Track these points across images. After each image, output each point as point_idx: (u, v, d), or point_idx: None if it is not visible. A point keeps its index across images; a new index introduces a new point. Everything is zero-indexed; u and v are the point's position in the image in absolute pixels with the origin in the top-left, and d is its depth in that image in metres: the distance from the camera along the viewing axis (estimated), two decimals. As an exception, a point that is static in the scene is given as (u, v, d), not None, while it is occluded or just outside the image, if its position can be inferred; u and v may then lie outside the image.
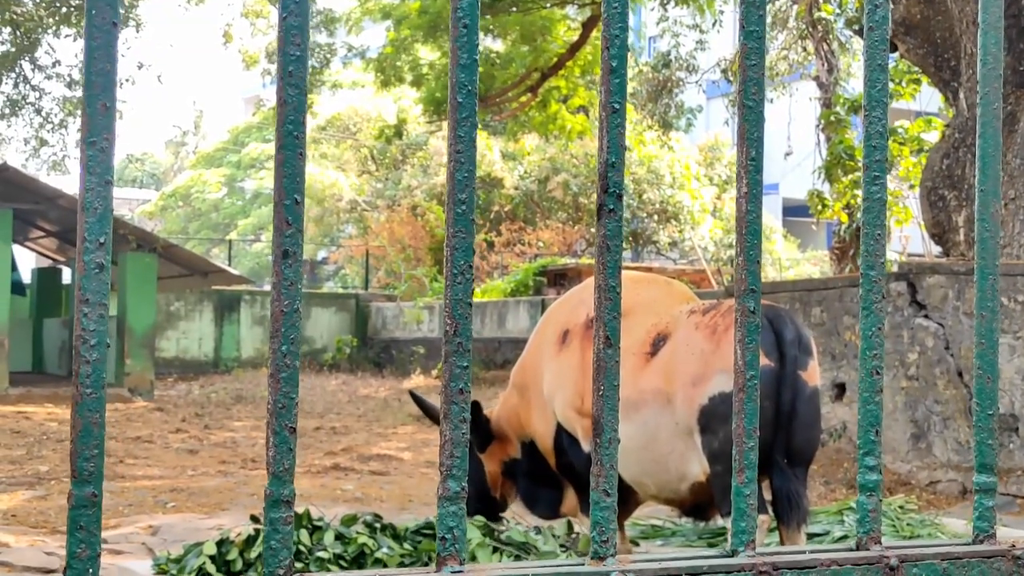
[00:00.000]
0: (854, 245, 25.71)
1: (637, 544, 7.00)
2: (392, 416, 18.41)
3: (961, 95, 12.35)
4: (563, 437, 6.05)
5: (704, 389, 5.26)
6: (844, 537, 6.64)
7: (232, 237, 49.50)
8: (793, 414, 5.17)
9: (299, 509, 6.31)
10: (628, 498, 6.03)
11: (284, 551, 1.85)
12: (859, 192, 24.53)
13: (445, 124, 35.19)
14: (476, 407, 6.44)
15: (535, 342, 6.43)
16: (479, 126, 29.51)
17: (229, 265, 33.12)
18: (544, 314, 6.54)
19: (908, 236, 28.77)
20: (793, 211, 46.37)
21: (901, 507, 7.22)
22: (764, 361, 5.15)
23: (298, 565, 5.80)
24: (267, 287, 45.27)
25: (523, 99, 26.40)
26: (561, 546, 6.09)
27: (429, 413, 6.86)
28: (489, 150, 35.96)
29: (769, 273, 36.73)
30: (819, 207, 25.48)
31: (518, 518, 6.70)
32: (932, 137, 25.02)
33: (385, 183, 39.10)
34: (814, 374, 5.32)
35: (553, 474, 6.28)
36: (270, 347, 1.87)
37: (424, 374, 25.21)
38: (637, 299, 5.97)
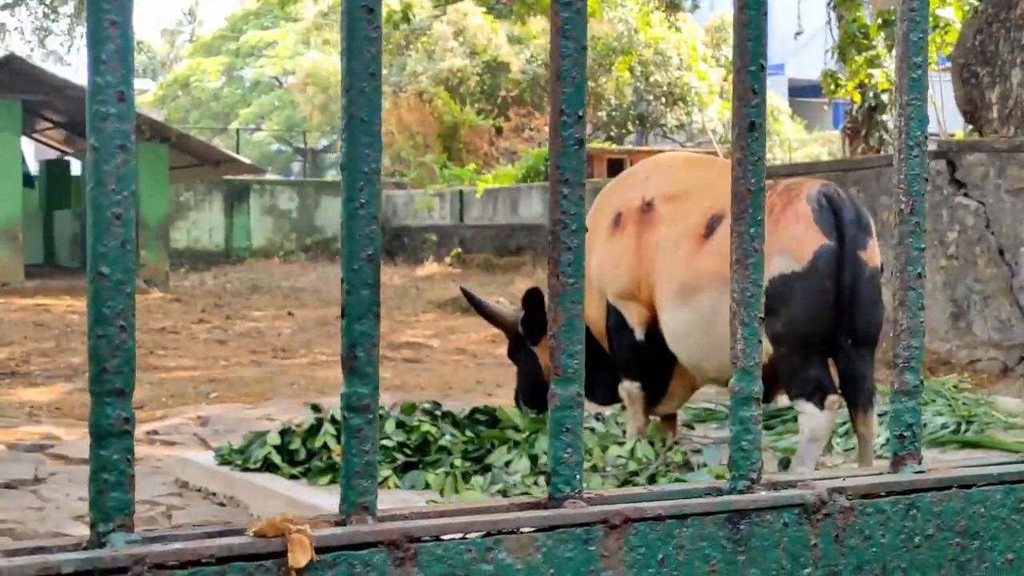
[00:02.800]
0: (866, 125, 25.53)
1: (692, 427, 6.99)
2: (411, 304, 18.40)
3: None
4: (613, 318, 5.99)
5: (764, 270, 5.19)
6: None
7: (234, 126, 49.14)
8: (855, 295, 5.10)
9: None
10: (687, 383, 6.00)
11: (755, 452, 1.80)
12: (873, 71, 24.28)
13: (450, 8, 34.79)
14: (538, 294, 6.38)
15: (587, 227, 6.33)
16: (484, 10, 29.13)
17: (236, 154, 32.91)
18: (596, 198, 6.44)
19: (921, 115, 28.53)
20: (799, 92, 45.99)
21: (955, 386, 7.21)
22: (824, 241, 5.07)
23: (362, 454, 5.78)
24: (272, 176, 45.06)
25: (531, -20, 26.04)
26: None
27: (481, 309, 6.79)
28: (495, 34, 35.55)
29: (777, 154, 36.53)
30: (832, 87, 25.24)
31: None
32: (947, 13, 24.72)
33: (389, 69, 38.69)
34: (874, 254, 5.24)
35: (608, 359, 6.23)
36: (734, 230, 1.79)
37: (437, 261, 25.16)
38: (692, 181, 5.87)
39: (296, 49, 47.04)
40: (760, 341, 1.81)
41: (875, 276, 5.20)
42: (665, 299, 5.62)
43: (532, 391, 6.49)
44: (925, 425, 6.47)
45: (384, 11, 29.10)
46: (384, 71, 39.80)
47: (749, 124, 1.78)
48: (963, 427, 6.54)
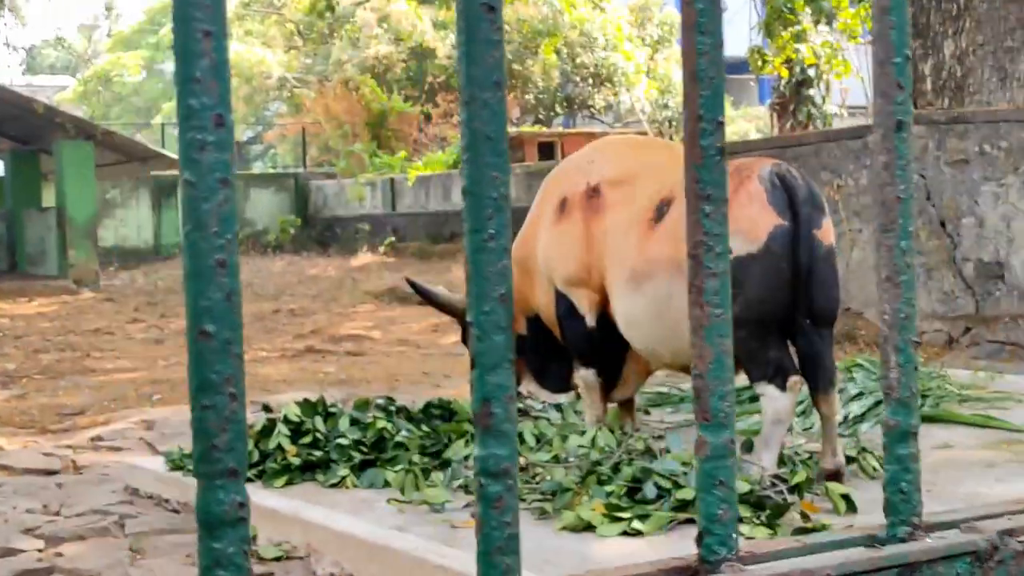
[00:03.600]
0: (794, 100, 25.63)
1: (647, 412, 6.94)
2: (348, 295, 18.23)
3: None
4: (562, 306, 5.92)
5: None
6: (860, 395, 6.61)
7: (157, 121, 48.56)
8: (811, 274, 5.05)
9: (311, 396, 6.17)
10: (641, 369, 5.95)
11: (916, 494, 1.65)
12: (800, 46, 24.36)
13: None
14: None
15: (533, 214, 6.26)
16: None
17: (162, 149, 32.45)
18: (542, 185, 6.36)
19: (848, 88, 28.73)
20: (725, 68, 46.17)
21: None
22: (779, 220, 5.02)
23: (317, 453, 5.67)
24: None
25: (455, -35, 25.88)
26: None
27: (430, 299, 6.70)
28: (420, 20, 35.33)
29: (705, 132, 36.62)
30: (759, 63, 25.31)
31: (532, 395, 6.60)
32: (871, -13, 24.83)
33: (314, 58, 38.36)
34: (828, 232, 5.19)
35: (560, 347, 6.16)
36: (879, 244, 1.60)
37: (371, 251, 24.97)
38: (637, 165, 5.81)
39: (218, 41, 46.49)
40: (917, 368, 1.68)
41: (830, 254, 5.15)
42: (617, 285, 5.56)
43: None
44: (880, 402, 6.45)
45: (307, 0, 28.72)
46: (308, 60, 39.54)
47: (896, 124, 1.63)
48: (919, 402, 6.52)
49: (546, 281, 5.97)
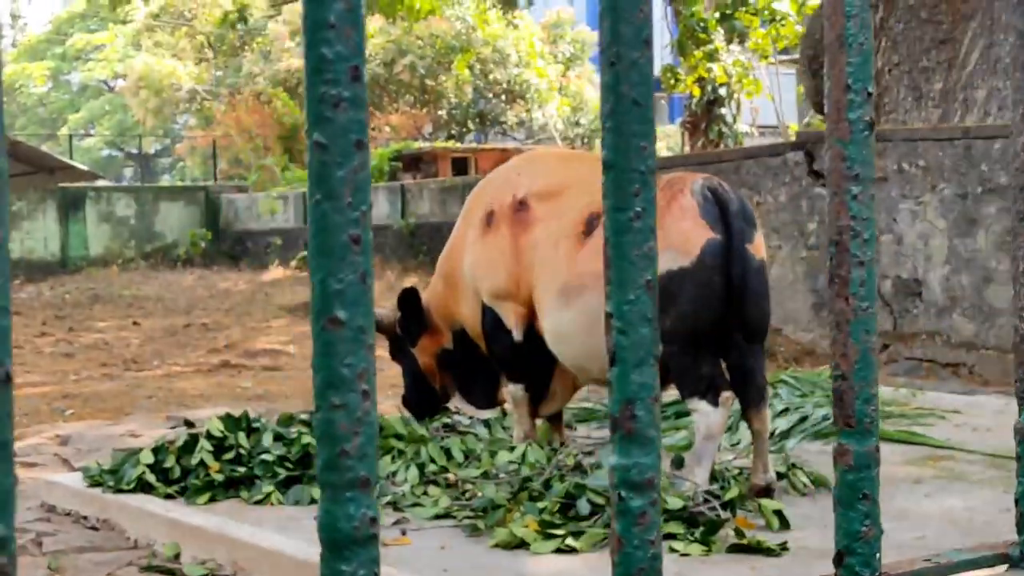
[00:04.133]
0: (706, 118, 25.85)
1: (574, 428, 6.90)
2: (261, 310, 18.03)
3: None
4: (488, 320, 5.87)
5: None
6: (785, 410, 6.63)
7: (63, 132, 47.85)
8: (744, 288, 5.04)
9: (234, 411, 6.06)
10: (568, 384, 5.91)
11: None
12: (711, 65, 24.54)
13: (286, 8, 34.28)
14: (414, 294, 6.24)
15: (459, 227, 6.21)
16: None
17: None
18: (468, 198, 6.32)
19: (758, 108, 29.05)
20: (636, 87, 46.49)
21: (831, 377, 7.24)
22: (711, 235, 5.00)
23: (241, 469, 5.57)
24: (108, 183, 43.97)
25: (370, -21, 25.77)
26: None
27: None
28: (332, 34, 35.16)
29: (617, 150, 36.85)
30: (672, 81, 25.50)
31: (460, 410, 6.54)
32: (783, 6, 25.14)
33: (225, 71, 38.02)
34: (760, 247, 5.19)
35: (487, 362, 6.11)
36: (1016, 233, 1.43)
37: (283, 265, 24.76)
38: (566, 178, 5.78)
39: (126, 52, 45.99)
40: None
41: (762, 268, 5.15)
42: (546, 300, 5.52)
43: (416, 393, 6.38)
44: (806, 417, 6.48)
45: (219, 12, 28.50)
46: (219, 73, 39.19)
47: None
48: None
49: (472, 295, 5.92)
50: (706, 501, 4.66)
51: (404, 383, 6.53)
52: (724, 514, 4.59)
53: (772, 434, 6.32)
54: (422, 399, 6.39)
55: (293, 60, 34.73)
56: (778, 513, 4.64)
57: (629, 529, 1.18)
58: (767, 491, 4.99)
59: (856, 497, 1.32)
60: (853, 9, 1.29)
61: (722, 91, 25.51)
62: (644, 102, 1.19)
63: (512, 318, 5.75)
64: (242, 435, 5.77)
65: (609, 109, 1.19)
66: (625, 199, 1.18)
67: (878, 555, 1.34)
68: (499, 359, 5.95)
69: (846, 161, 1.31)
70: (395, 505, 5.14)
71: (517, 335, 5.77)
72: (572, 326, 5.41)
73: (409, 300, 6.24)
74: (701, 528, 4.45)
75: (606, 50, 1.18)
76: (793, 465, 5.38)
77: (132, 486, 5.57)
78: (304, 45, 1.07)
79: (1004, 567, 1.51)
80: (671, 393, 5.79)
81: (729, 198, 5.11)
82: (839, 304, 1.25)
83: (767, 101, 27.96)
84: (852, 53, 1.30)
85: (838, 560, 1.32)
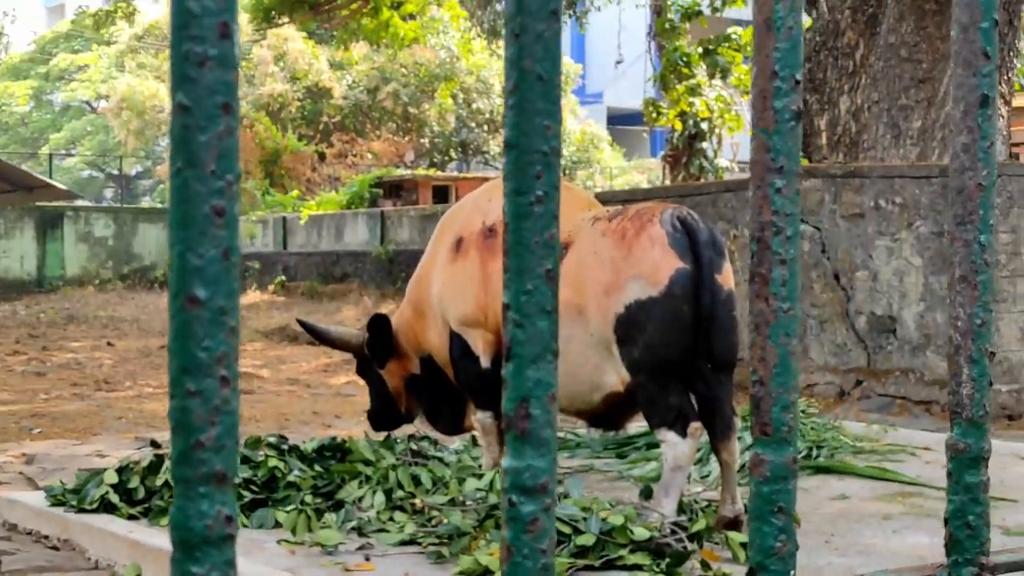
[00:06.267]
0: (687, 152, 25.91)
1: (543, 457, 6.87)
2: (237, 333, 17.94)
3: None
4: (456, 346, 5.84)
5: (619, 298, 5.08)
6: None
7: (44, 152, 47.72)
8: (712, 318, 5.02)
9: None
10: None
11: (984, 530, 1.45)
12: (693, 99, 24.63)
13: (271, 32, 34.30)
14: (384, 321, 6.22)
15: (428, 254, 6.19)
16: (306, 35, 28.76)
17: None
18: (438, 225, 6.30)
19: (739, 143, 29.13)
20: (619, 119, 46.60)
21: (804, 411, 7.22)
22: (680, 264, 4.99)
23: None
24: (87, 203, 43.87)
25: (354, 6, 25.80)
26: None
27: (322, 338, 6.63)
28: (316, 59, 35.19)
29: (598, 181, 36.90)
30: (654, 115, 25.55)
31: (425, 433, 6.50)
32: (765, 44, 25.21)
33: (208, 94, 38.01)
34: (729, 277, 5.18)
35: (454, 388, 6.08)
36: (955, 238, 1.40)
37: (260, 290, 24.69)
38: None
39: (109, 73, 45.94)
40: (991, 384, 1.51)
41: (731, 299, 5.13)
42: (512, 328, 5.50)
43: (380, 407, 6.46)
44: (777, 450, 6.45)
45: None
46: (202, 96, 39.15)
47: (981, 98, 1.36)
48: (814, 452, 6.55)
49: (440, 322, 5.89)
50: (673, 532, 4.63)
51: (369, 397, 6.55)
52: (691, 546, 4.55)
53: (743, 467, 6.29)
54: (384, 415, 6.48)
55: (276, 84, 34.73)
56: (744, 546, 4.60)
57: (519, 536, 1.13)
58: (735, 523, 4.96)
59: (771, 510, 1.25)
60: (784, -6, 1.17)
61: (704, 126, 25.58)
62: (549, 78, 1.12)
63: (480, 344, 5.72)
64: (208, 457, 5.72)
65: (512, 85, 1.12)
66: (527, 181, 1.13)
67: (792, 572, 1.26)
68: (467, 386, 5.93)
69: (770, 152, 1.25)
70: (360, 530, 5.10)
71: (485, 362, 5.74)
72: None
73: (378, 326, 6.22)
74: (667, 560, 4.41)
75: (510, 21, 1.12)
76: (761, 498, 5.35)
77: (95, 506, 5.52)
78: (172, 1, 0.99)
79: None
80: (640, 423, 5.77)
81: (698, 228, 5.10)
82: (758, 305, 1.21)
83: (748, 137, 28.00)
84: (780, 38, 1.23)
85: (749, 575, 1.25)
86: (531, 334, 1.17)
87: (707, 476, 6.08)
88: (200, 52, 0.98)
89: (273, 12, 24.81)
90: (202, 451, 1.02)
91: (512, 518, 1.13)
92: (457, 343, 5.84)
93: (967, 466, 1.39)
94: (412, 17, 27.23)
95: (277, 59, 35.23)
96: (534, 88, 1.13)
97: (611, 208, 5.49)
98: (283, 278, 24.82)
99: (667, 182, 26.55)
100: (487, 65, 36.03)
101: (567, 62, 39.92)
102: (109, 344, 16.25)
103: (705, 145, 25.83)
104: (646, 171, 39.97)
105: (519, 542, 1.14)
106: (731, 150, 29.22)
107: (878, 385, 9.22)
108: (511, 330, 1.16)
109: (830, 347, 9.69)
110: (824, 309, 9.70)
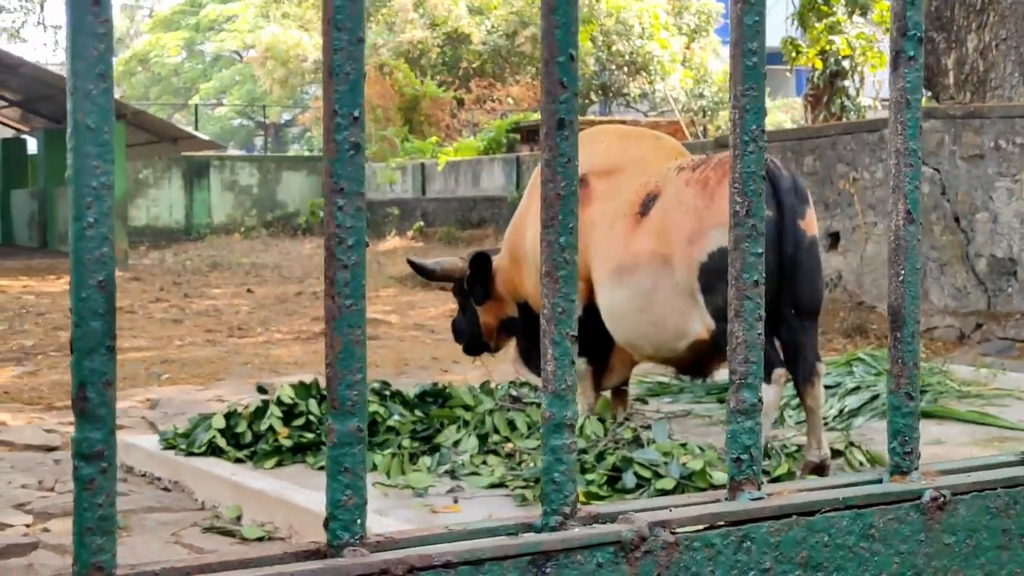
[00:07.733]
0: (828, 91, 25.48)
1: (645, 402, 6.94)
2: (372, 279, 18.25)
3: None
4: None
5: (702, 246, 5.11)
6: (856, 388, 6.58)
7: (195, 102, 48.77)
8: (796, 265, 5.03)
9: (307, 379, 6.20)
10: (626, 359, 5.96)
11: (569, 484, 1.63)
12: (834, 38, 24.22)
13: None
14: (485, 258, 6.35)
15: (524, 203, 6.29)
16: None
17: (195, 130, 32.62)
18: (533, 173, 6.38)
19: (881, 81, 28.55)
20: (762, 59, 45.92)
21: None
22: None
23: (308, 435, 5.71)
24: (233, 152, 44.82)
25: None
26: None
27: (429, 275, 6.79)
28: (455, 4, 35.33)
29: (740, 122, 36.44)
30: (793, 54, 25.16)
31: (524, 379, 6.60)
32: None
33: (350, 42, 38.36)
34: (812, 223, 5.18)
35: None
36: (542, 239, 1.61)
37: (399, 235, 25.02)
38: (625, 157, 5.82)
39: (256, 23, 46.68)
40: (573, 362, 1.64)
41: (814, 245, 5.14)
42: (601, 278, 5.57)
43: (468, 332, 6.66)
44: (877, 396, 6.42)
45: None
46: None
47: (558, 121, 1.58)
48: (917, 397, 6.50)
49: (535, 269, 5.98)
50: (753, 477, 4.67)
51: (459, 318, 6.70)
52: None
53: (841, 412, 6.29)
54: (472, 340, 6.68)
55: (416, 32, 34.97)
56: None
57: (82, 494, 1.37)
58: (820, 468, 4.99)
59: (338, 470, 1.47)
60: (340, 44, 1.44)
61: (845, 64, 25.08)
62: (97, 127, 1.35)
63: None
64: (312, 402, 5.91)
65: (69, 133, 1.33)
66: (81, 210, 1.34)
67: (360, 520, 1.48)
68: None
69: (333, 177, 1.45)
70: (453, 473, 5.25)
71: (578, 310, 5.82)
72: (624, 304, 5.46)
73: (479, 264, 6.35)
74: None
75: (68, 80, 1.35)
76: (851, 443, 5.36)
77: (203, 450, 5.76)
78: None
79: (519, 537, 1.58)
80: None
81: (780, 175, 5.11)
82: (327, 302, 1.47)
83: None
84: (340, 82, 1.45)
85: (326, 524, 1.49)
86: (87, 332, 1.36)
87: (803, 422, 6.09)
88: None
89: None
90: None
91: (76, 479, 1.36)
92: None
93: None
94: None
95: (417, 6, 35.45)
96: (85, 136, 1.35)
97: (696, 157, 5.51)
98: (421, 224, 25.10)
99: (809, 122, 26.14)
100: (627, 7, 35.75)
101: (708, 2, 39.46)
102: (249, 291, 16.66)
103: (847, 83, 25.35)
104: (790, 110, 39.41)
105: (81, 498, 1.37)
106: (874, 87, 28.67)
107: (998, 328, 9.07)
108: (72, 329, 1.38)
109: (950, 290, 9.55)
110: (944, 252, 9.55)
